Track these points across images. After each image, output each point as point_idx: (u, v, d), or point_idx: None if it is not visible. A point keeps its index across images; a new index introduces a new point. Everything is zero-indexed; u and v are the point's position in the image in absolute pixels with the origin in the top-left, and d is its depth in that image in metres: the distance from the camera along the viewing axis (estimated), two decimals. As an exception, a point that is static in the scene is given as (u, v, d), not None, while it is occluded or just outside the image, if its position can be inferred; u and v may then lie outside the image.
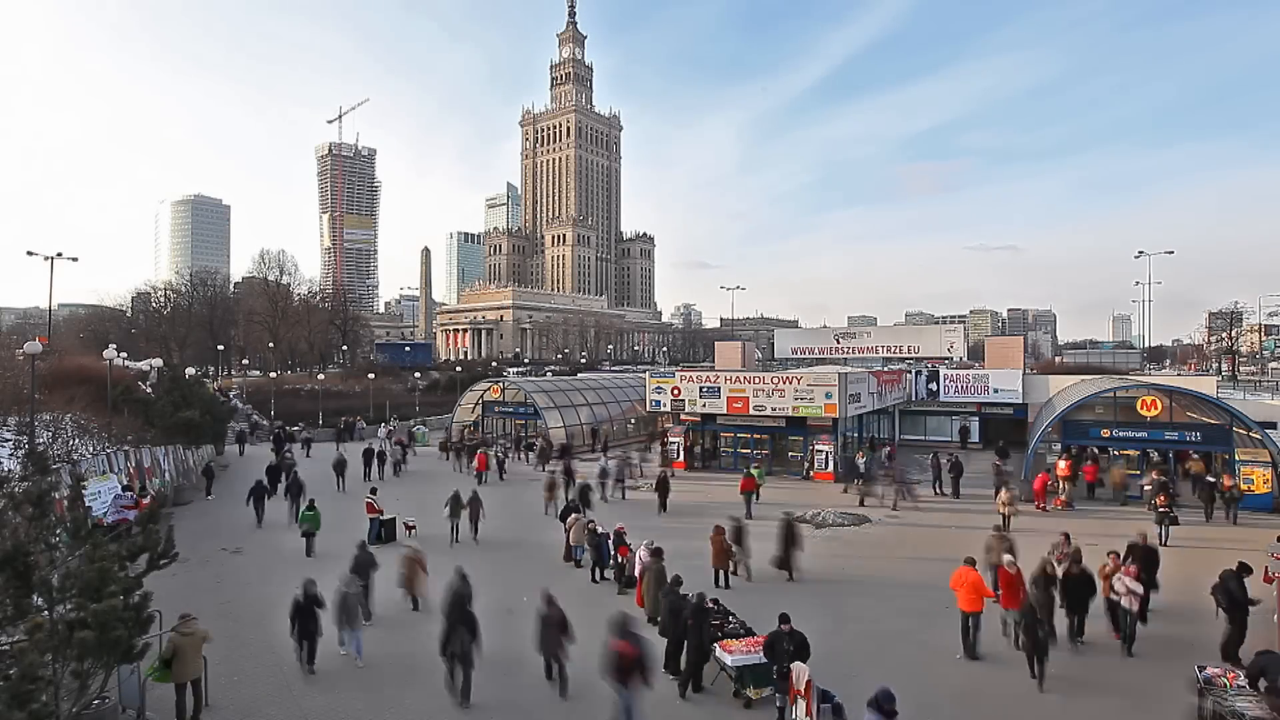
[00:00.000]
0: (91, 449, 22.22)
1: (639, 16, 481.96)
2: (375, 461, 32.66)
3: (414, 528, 21.65)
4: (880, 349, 51.30)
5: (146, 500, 19.20)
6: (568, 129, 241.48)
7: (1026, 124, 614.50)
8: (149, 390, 35.59)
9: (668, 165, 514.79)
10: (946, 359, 49.48)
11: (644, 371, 53.96)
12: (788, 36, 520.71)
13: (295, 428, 52.23)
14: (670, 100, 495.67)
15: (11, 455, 17.30)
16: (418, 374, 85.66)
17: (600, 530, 17.83)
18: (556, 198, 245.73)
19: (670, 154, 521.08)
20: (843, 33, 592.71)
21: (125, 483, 21.77)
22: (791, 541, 16.86)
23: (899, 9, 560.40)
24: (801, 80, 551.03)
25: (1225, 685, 9.68)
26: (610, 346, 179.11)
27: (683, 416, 34.67)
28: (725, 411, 33.09)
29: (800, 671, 9.73)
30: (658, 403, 35.37)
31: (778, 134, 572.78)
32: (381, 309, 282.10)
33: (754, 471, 25.30)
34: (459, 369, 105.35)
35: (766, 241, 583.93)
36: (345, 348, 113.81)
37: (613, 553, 17.22)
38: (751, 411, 32.10)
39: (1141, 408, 26.42)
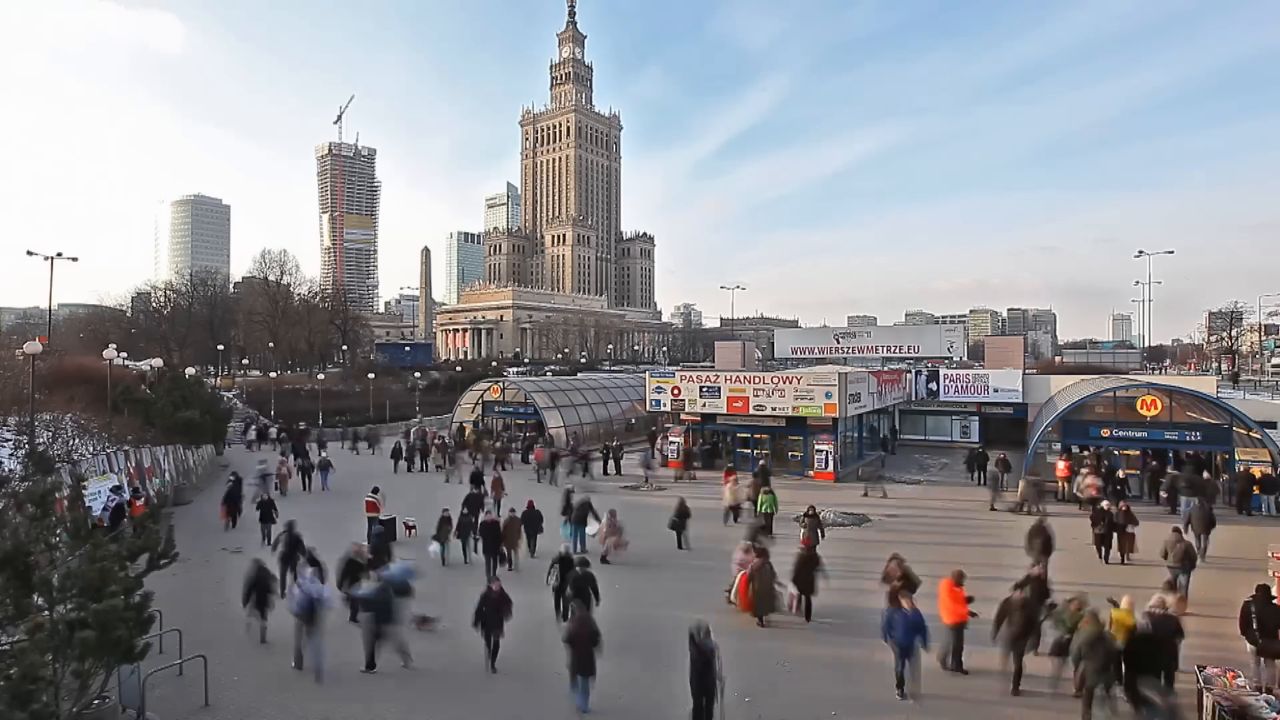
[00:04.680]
0: (91, 449, 22.22)
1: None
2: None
3: (414, 528, 21.65)
4: (880, 349, 51.29)
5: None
6: (568, 129, 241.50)
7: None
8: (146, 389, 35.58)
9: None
10: (946, 359, 49.48)
11: (644, 371, 53.95)
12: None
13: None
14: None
15: (12, 455, 17.30)
16: (418, 374, 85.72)
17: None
18: (556, 197, 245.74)
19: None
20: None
21: (121, 483, 21.74)
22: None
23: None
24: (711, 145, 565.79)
25: (1225, 685, 9.69)
26: (610, 346, 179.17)
27: (683, 416, 34.67)
28: (725, 411, 33.08)
29: None
30: (658, 403, 35.36)
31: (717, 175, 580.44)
32: (381, 309, 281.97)
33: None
34: (459, 369, 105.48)
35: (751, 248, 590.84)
36: (345, 348, 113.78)
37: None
38: (751, 411, 32.09)
39: (1141, 407, 26.44)
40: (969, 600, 11.80)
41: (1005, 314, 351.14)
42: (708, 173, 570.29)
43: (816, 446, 31.22)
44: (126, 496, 20.47)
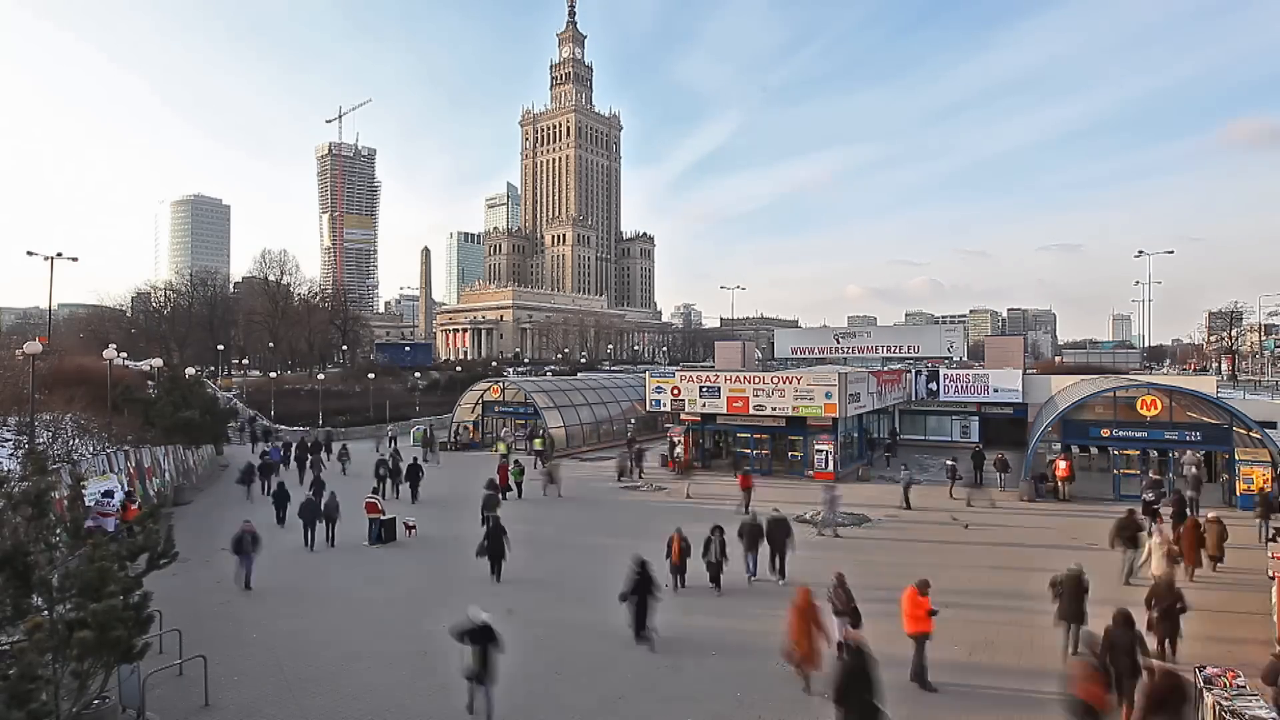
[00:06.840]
0: (91, 449, 22.22)
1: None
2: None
3: (414, 528, 21.63)
4: (880, 349, 51.27)
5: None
6: (567, 129, 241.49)
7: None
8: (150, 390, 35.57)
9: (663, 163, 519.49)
10: (946, 359, 49.46)
11: (644, 371, 53.95)
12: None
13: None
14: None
15: (11, 455, 17.31)
16: (418, 374, 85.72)
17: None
18: (556, 197, 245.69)
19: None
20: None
21: (119, 485, 21.65)
22: None
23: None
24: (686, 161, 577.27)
25: (1225, 685, 9.68)
26: (610, 346, 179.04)
27: (683, 416, 34.67)
28: (725, 411, 33.08)
29: None
30: (658, 403, 35.36)
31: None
32: (381, 309, 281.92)
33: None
34: (459, 369, 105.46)
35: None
36: (345, 348, 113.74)
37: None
38: (751, 411, 32.09)
39: (1141, 407, 26.41)
40: (932, 613, 11.23)
41: (1005, 314, 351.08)
42: (682, 189, 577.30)
43: (816, 446, 31.22)
44: (121, 499, 20.16)
